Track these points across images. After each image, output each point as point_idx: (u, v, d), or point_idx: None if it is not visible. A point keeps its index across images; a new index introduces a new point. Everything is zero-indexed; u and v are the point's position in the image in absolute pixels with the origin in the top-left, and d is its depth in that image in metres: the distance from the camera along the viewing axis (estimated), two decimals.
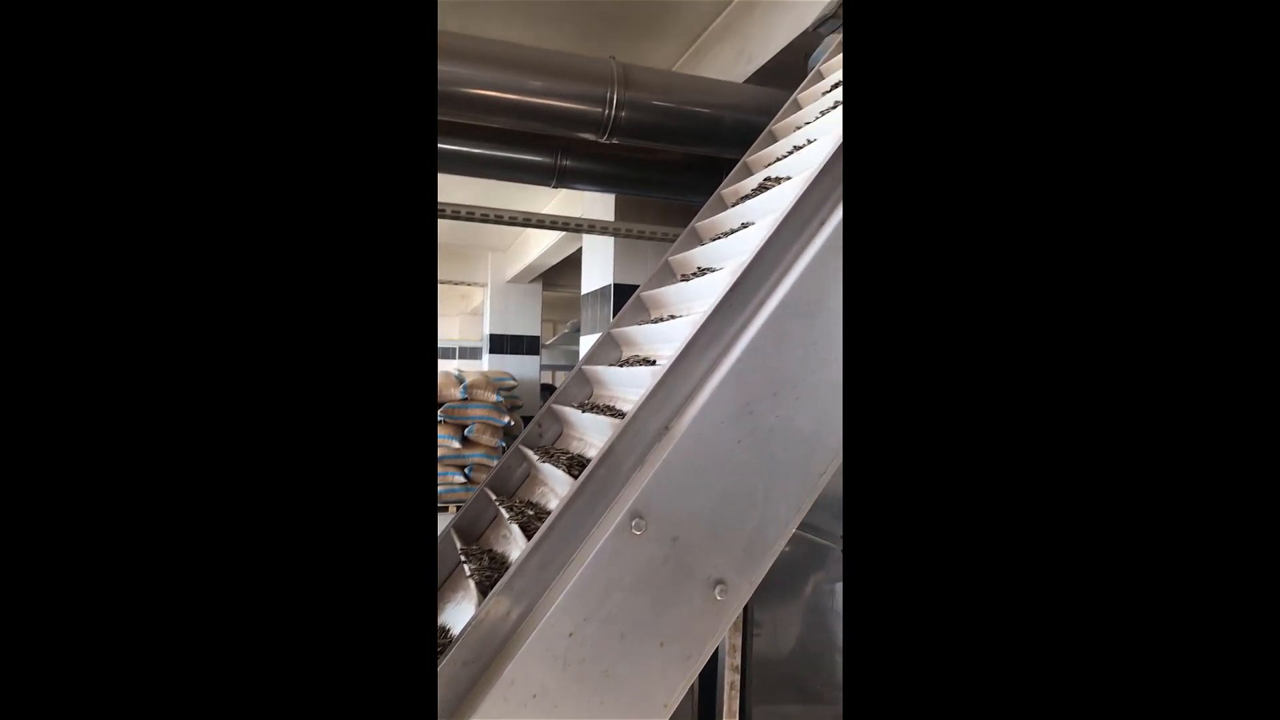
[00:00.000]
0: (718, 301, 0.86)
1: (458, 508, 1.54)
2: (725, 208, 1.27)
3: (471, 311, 8.34)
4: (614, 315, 1.27)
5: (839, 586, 1.84)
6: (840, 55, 1.32)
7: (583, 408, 1.11)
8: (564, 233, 3.82)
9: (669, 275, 1.24)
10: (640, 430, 0.83)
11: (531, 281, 6.21)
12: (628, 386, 1.07)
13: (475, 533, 1.18)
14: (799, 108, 1.30)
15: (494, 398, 4.60)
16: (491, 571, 0.95)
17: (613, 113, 2.28)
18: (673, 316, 1.12)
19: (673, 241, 1.32)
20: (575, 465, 0.95)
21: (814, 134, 1.13)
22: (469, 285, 6.52)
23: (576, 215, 3.33)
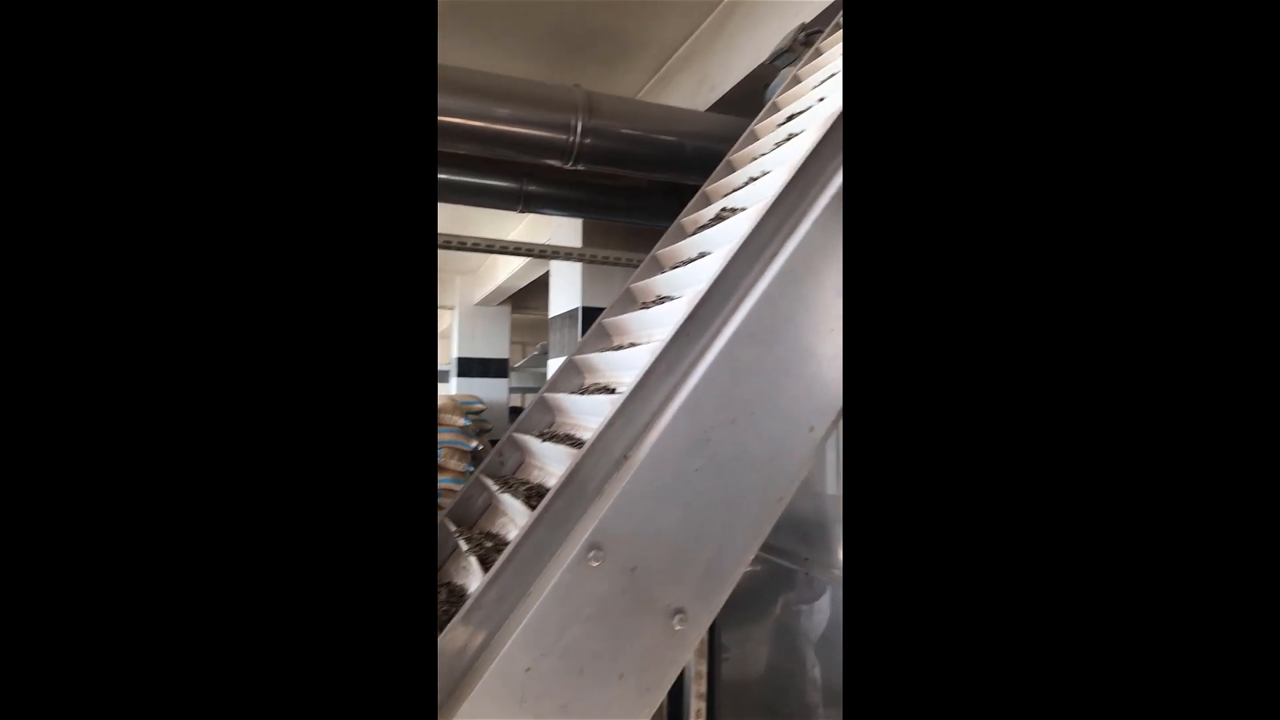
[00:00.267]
0: (675, 330, 0.87)
1: None
2: (685, 236, 1.28)
3: (439, 335, 8.27)
4: (582, 337, 1.27)
5: (805, 608, 1.85)
6: (795, 88, 1.36)
7: (543, 436, 1.10)
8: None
9: (630, 302, 1.25)
10: (598, 460, 0.83)
11: (500, 304, 6.19)
12: (588, 414, 1.07)
13: (435, 565, 1.16)
14: (755, 139, 1.33)
15: (461, 422, 4.55)
16: (450, 606, 0.94)
17: (577, 139, 2.31)
18: (633, 344, 1.13)
19: (640, 265, 1.33)
20: (534, 495, 0.94)
21: (768, 165, 1.16)
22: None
23: (544, 239, 3.34)
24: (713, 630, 2.01)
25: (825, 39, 1.46)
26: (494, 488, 1.09)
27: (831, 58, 1.34)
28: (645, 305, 1.19)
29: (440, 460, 4.46)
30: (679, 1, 2.72)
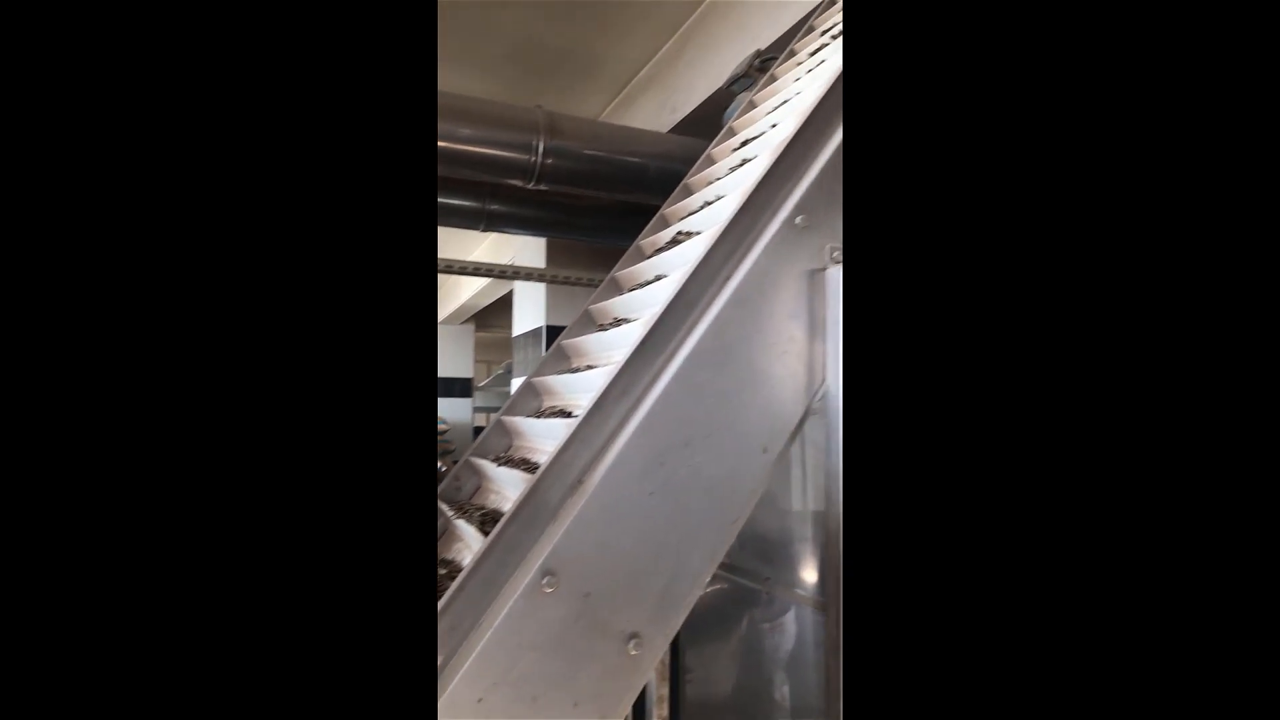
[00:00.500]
0: (630, 353, 0.88)
1: None
2: (644, 258, 1.29)
3: None
4: (542, 359, 1.27)
5: (770, 627, 1.85)
6: (750, 113, 1.38)
7: (499, 461, 1.09)
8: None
9: (589, 323, 1.26)
10: (553, 485, 0.83)
11: (464, 323, 6.14)
12: (544, 438, 1.06)
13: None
14: (712, 163, 1.35)
15: None
16: None
17: (539, 160, 2.32)
18: (591, 366, 1.13)
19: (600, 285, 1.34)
20: (489, 521, 0.93)
21: (723, 190, 1.18)
22: None
23: (508, 258, 3.33)
24: (676, 652, 2.00)
25: (779, 65, 1.49)
26: (450, 513, 1.07)
27: (785, 84, 1.37)
28: (603, 327, 1.19)
29: None
30: (640, 24, 2.76)
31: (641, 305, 1.14)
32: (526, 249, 3.72)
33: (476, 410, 6.63)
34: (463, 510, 1.05)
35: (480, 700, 0.74)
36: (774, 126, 1.21)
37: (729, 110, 1.60)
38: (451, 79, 2.97)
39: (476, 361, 6.51)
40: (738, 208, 0.95)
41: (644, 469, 0.84)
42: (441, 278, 5.74)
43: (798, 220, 0.94)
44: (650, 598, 0.82)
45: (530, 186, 2.40)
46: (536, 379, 1.20)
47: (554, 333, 3.45)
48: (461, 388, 6.10)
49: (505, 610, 0.76)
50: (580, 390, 1.08)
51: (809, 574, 1.73)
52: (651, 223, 1.35)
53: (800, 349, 0.94)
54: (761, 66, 1.62)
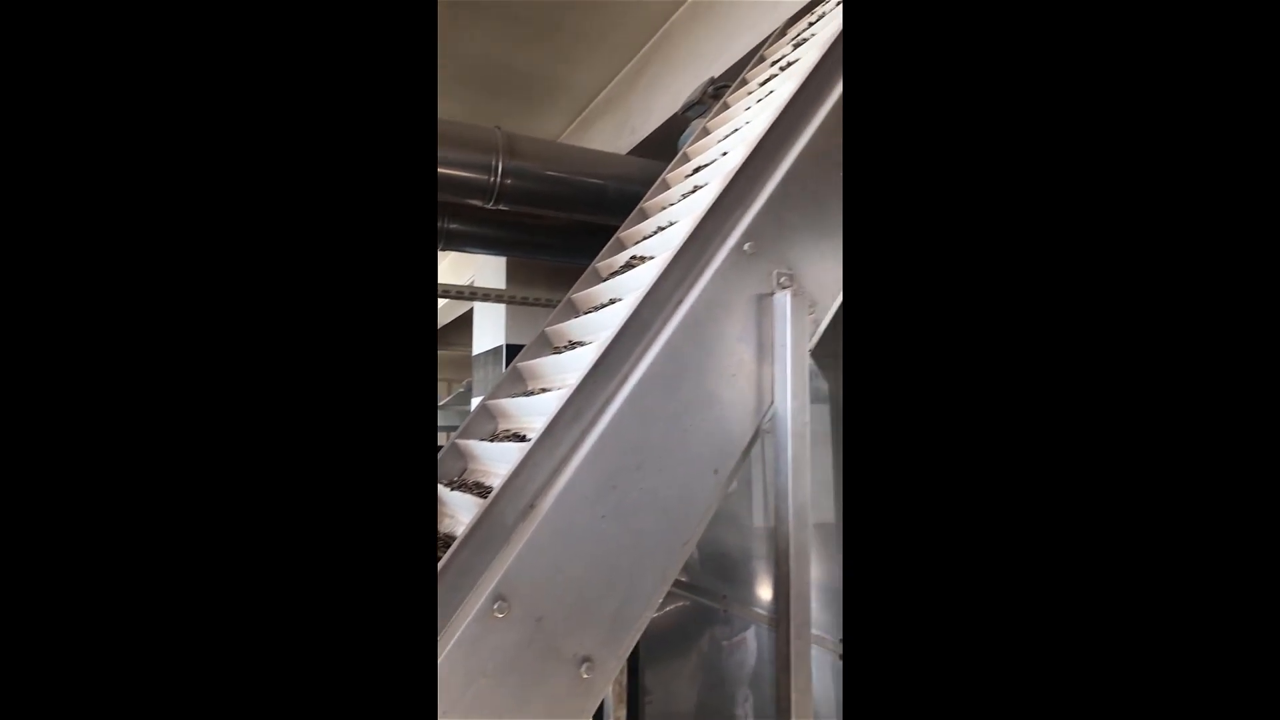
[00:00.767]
0: (582, 377, 0.89)
1: None
2: (600, 280, 1.31)
3: None
4: (497, 381, 1.27)
5: (728, 644, 1.87)
6: (703, 140, 1.42)
7: (452, 485, 1.09)
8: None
9: (545, 346, 1.26)
10: (505, 509, 0.83)
11: None
12: (498, 462, 1.06)
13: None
14: (667, 187, 1.38)
15: None
16: None
17: (498, 180, 2.32)
18: (545, 389, 1.14)
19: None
20: (442, 546, 0.93)
21: (675, 216, 1.20)
22: None
23: (468, 277, 3.31)
24: (635, 673, 2.00)
25: (732, 93, 1.53)
26: None
27: (736, 112, 1.41)
28: (558, 350, 1.20)
29: None
30: (599, 48, 2.80)
31: (596, 328, 1.15)
32: (486, 268, 3.71)
33: (438, 429, 6.54)
34: None
35: None
36: (724, 154, 1.24)
37: (684, 135, 1.64)
38: None
39: (438, 380, 6.43)
40: (688, 234, 0.97)
41: (596, 492, 0.85)
42: None
43: (746, 247, 0.97)
44: (602, 621, 0.83)
45: (490, 206, 2.40)
46: (492, 401, 1.20)
47: (514, 351, 3.44)
48: None
49: (456, 637, 0.75)
50: (535, 413, 1.09)
51: (765, 592, 1.75)
52: (608, 245, 1.37)
53: (750, 372, 0.97)
54: (715, 93, 1.66)
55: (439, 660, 0.74)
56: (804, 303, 0.97)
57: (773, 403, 0.97)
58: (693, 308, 0.94)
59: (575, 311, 1.29)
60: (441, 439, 6.76)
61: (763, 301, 0.98)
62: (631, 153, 2.83)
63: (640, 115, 2.80)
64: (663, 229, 1.18)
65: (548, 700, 0.79)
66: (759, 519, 1.80)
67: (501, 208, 2.42)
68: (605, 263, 1.33)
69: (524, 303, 3.23)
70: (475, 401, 4.01)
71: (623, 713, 1.45)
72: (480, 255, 3.68)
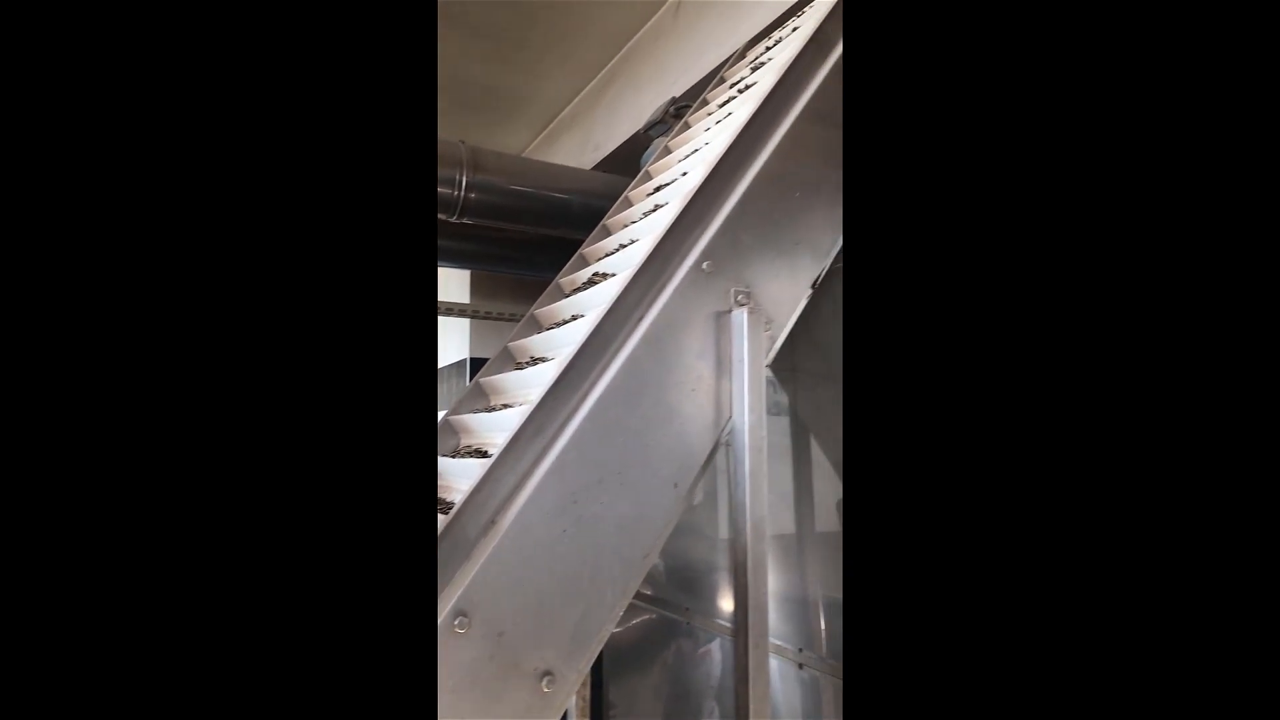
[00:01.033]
0: (544, 392, 0.90)
1: None
2: (563, 296, 1.32)
3: None
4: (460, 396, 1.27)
5: (693, 656, 1.88)
6: (665, 159, 1.45)
7: None
8: None
9: (508, 361, 1.27)
10: (466, 525, 0.83)
11: None
12: (460, 478, 1.07)
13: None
14: (629, 205, 1.40)
15: None
16: None
17: (462, 194, 2.32)
18: (507, 405, 1.15)
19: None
20: None
21: (637, 234, 1.23)
22: None
23: None
24: (599, 686, 1.99)
25: (693, 113, 1.57)
26: None
27: (697, 133, 1.45)
28: (520, 365, 1.21)
29: None
30: (563, 64, 2.83)
31: (559, 344, 1.16)
32: (450, 281, 3.69)
33: None
34: None
35: None
36: (684, 174, 1.27)
37: (646, 153, 1.67)
38: None
39: None
40: (649, 252, 0.99)
41: (557, 507, 0.86)
42: None
43: (704, 265, 1.00)
44: (563, 634, 0.84)
45: (454, 220, 2.40)
46: (454, 417, 1.20)
47: (478, 365, 3.41)
48: None
49: None
50: (496, 429, 1.09)
51: (727, 604, 1.77)
52: (571, 261, 1.39)
53: (708, 387, 0.99)
54: (677, 113, 1.69)
55: None
56: (760, 319, 1.00)
57: (731, 417, 0.99)
58: (653, 325, 0.96)
59: (538, 327, 1.30)
60: None
61: (721, 318, 1.00)
62: (596, 168, 2.86)
63: (604, 131, 2.83)
64: (625, 246, 1.21)
65: (509, 714, 0.80)
66: (723, 532, 1.82)
67: (465, 221, 2.42)
68: (568, 278, 1.35)
69: (488, 317, 3.22)
70: (439, 414, 3.97)
71: None
72: (444, 269, 3.66)
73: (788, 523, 1.45)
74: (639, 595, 1.94)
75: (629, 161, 2.72)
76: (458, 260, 2.97)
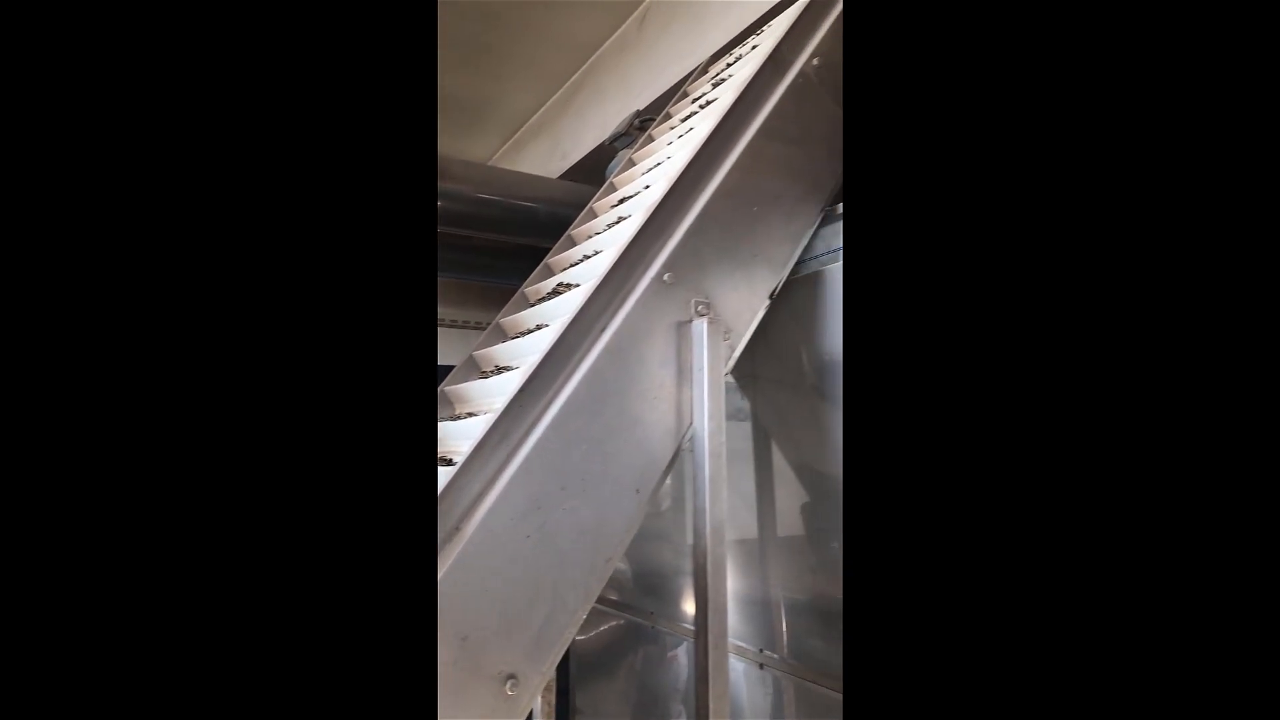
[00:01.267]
0: (507, 402, 0.92)
1: None
2: (528, 305, 1.34)
3: None
4: None
5: (660, 660, 1.90)
6: (629, 171, 1.48)
7: None
8: None
9: (473, 370, 1.29)
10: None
11: None
12: None
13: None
14: (594, 216, 1.43)
15: None
16: None
17: None
18: (471, 413, 1.16)
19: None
20: None
21: (601, 245, 1.25)
22: None
23: None
24: (565, 693, 2.00)
25: (656, 126, 1.60)
26: None
27: (659, 146, 1.48)
28: (485, 374, 1.22)
29: None
30: (529, 73, 2.85)
31: (523, 352, 1.18)
32: None
33: None
34: None
35: None
36: (647, 187, 1.30)
37: (611, 165, 1.70)
38: None
39: None
40: (612, 264, 1.02)
41: (521, 514, 0.87)
42: None
43: (666, 277, 1.03)
44: (527, 638, 0.86)
45: None
46: None
47: (444, 372, 3.40)
48: None
49: None
50: (460, 437, 1.10)
51: (691, 606, 1.79)
52: (536, 271, 1.41)
53: (670, 395, 1.02)
54: (641, 126, 1.73)
55: None
56: (720, 329, 1.04)
57: (691, 424, 1.02)
58: (616, 334, 0.98)
59: (503, 336, 1.32)
60: None
61: (682, 328, 1.03)
62: (563, 176, 2.88)
63: (571, 140, 2.85)
64: (589, 257, 1.23)
65: (473, 717, 0.81)
66: (690, 538, 1.85)
67: None
68: (533, 288, 1.37)
69: (454, 325, 3.21)
70: None
71: None
72: None
73: (750, 526, 1.49)
74: (606, 601, 1.95)
75: (595, 170, 2.74)
76: None
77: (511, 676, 0.83)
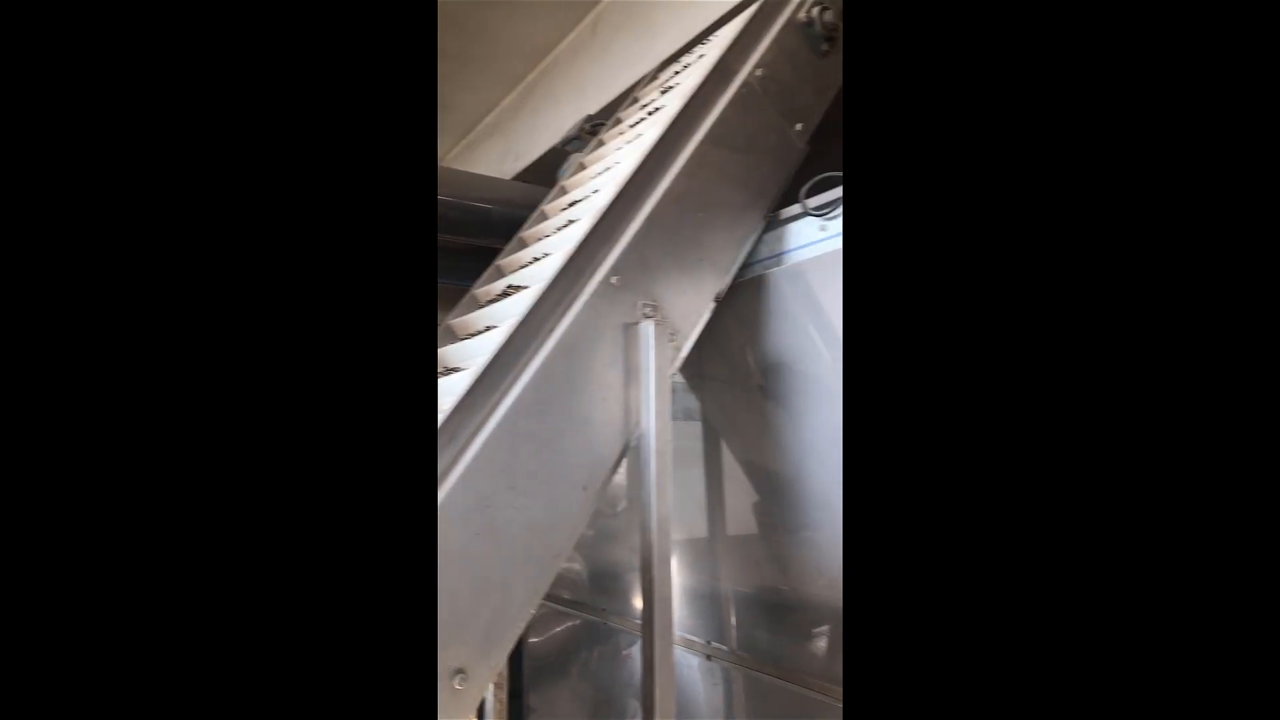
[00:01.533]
0: (456, 402, 0.93)
1: None
2: (478, 306, 1.35)
3: None
4: None
5: (615, 658, 1.92)
6: (579, 174, 1.50)
7: None
8: None
9: None
10: None
11: None
12: None
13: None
14: (545, 218, 1.45)
15: None
16: None
17: None
18: None
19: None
20: None
21: (550, 248, 1.27)
22: None
23: None
24: (518, 695, 2.01)
25: (607, 131, 1.63)
26: None
27: (609, 150, 1.51)
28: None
29: None
30: (483, 74, 2.84)
31: (473, 353, 1.19)
32: None
33: None
34: None
35: None
36: (596, 192, 1.33)
37: (562, 168, 1.72)
38: None
39: None
40: (560, 266, 1.04)
41: (469, 512, 0.89)
42: None
43: (613, 280, 1.06)
44: (475, 634, 0.87)
45: None
46: None
47: None
48: None
49: None
50: None
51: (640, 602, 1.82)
52: (487, 272, 1.42)
53: (617, 395, 1.05)
54: (592, 130, 1.75)
55: None
56: (666, 331, 1.07)
57: (639, 423, 1.05)
58: (564, 336, 1.01)
59: (453, 337, 1.33)
60: None
61: (629, 330, 1.06)
62: (517, 177, 2.88)
63: (526, 141, 2.86)
64: (538, 259, 1.25)
65: None
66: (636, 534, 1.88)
67: None
68: (484, 289, 1.38)
69: None
70: None
71: None
72: None
73: (699, 521, 1.53)
74: (560, 600, 1.97)
75: (549, 172, 2.75)
76: None
77: (460, 671, 0.85)
